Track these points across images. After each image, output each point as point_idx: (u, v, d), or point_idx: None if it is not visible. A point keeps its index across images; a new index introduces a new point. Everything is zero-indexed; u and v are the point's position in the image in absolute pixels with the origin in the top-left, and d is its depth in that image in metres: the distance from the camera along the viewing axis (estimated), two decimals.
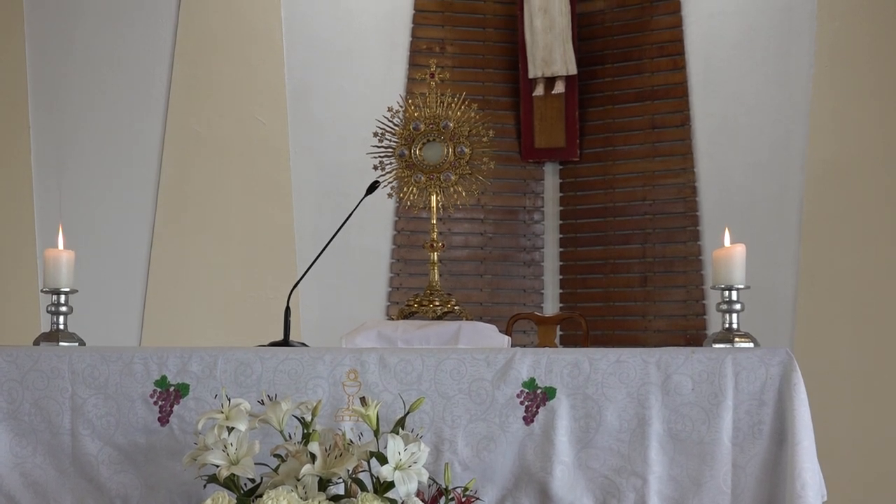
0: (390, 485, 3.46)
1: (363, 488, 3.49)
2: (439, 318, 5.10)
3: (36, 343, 4.15)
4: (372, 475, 3.50)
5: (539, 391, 3.82)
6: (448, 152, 5.28)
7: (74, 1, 7.18)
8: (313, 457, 3.47)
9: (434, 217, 5.33)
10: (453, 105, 5.34)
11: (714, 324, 7.06)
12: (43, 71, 7.09)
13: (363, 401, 3.61)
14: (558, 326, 6.36)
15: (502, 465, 3.81)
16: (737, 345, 4.01)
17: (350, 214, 4.78)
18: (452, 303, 5.17)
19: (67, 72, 7.14)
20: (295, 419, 3.61)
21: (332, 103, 7.53)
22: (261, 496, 3.45)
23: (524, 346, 4.94)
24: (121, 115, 7.20)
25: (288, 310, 4.35)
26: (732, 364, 3.80)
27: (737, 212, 7.11)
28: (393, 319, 5.30)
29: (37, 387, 3.85)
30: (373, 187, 4.93)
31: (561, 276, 7.88)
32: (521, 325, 7.00)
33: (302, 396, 3.77)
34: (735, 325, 4.10)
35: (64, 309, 4.22)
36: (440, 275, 5.33)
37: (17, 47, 7.04)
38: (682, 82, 7.54)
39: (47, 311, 4.23)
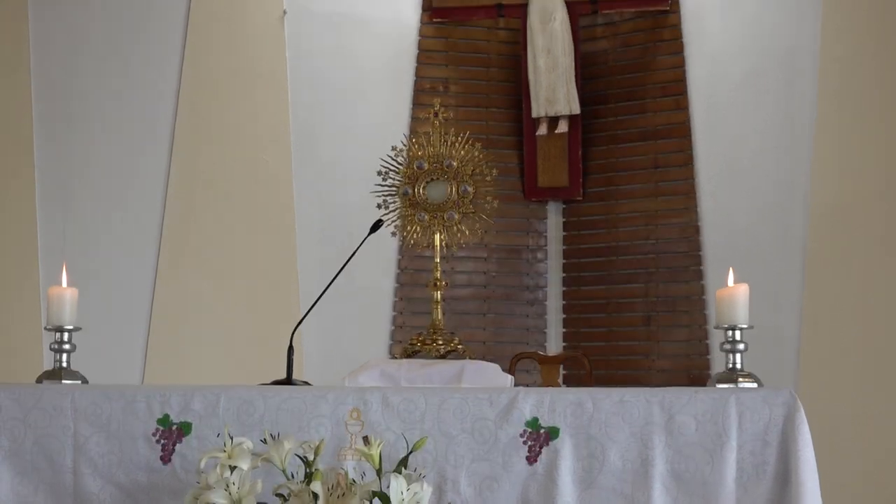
0: None
1: None
2: (442, 356, 5.09)
3: (39, 381, 4.15)
4: None
5: (542, 431, 3.81)
6: (452, 191, 5.29)
7: (80, 39, 7.22)
8: (316, 496, 3.46)
9: (437, 256, 5.33)
10: (457, 144, 5.35)
11: (717, 363, 7.04)
12: (48, 109, 7.12)
13: (366, 440, 3.60)
14: (561, 366, 6.36)
15: None
16: (740, 385, 4.01)
17: (353, 253, 4.79)
18: (456, 342, 5.16)
19: (72, 110, 7.17)
20: (297, 458, 3.60)
21: (337, 142, 7.56)
22: None
23: (527, 386, 4.93)
24: (125, 154, 7.22)
25: (291, 348, 4.36)
26: (736, 404, 3.79)
27: (740, 252, 7.10)
28: (396, 358, 5.30)
29: (39, 425, 3.84)
30: (376, 226, 4.94)
31: (564, 315, 7.87)
32: (525, 365, 6.98)
33: (305, 435, 3.76)
34: (738, 365, 4.10)
35: (67, 347, 4.22)
36: (443, 313, 5.32)
37: (23, 85, 7.07)
38: (685, 122, 7.56)
39: (50, 349, 4.23)
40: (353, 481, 3.56)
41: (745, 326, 4.12)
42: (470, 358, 5.10)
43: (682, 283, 7.47)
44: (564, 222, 7.94)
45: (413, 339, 5.25)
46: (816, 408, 5.05)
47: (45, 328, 4.29)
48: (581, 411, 3.82)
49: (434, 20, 7.87)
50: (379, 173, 5.37)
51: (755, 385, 4.02)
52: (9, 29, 7.08)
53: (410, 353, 5.16)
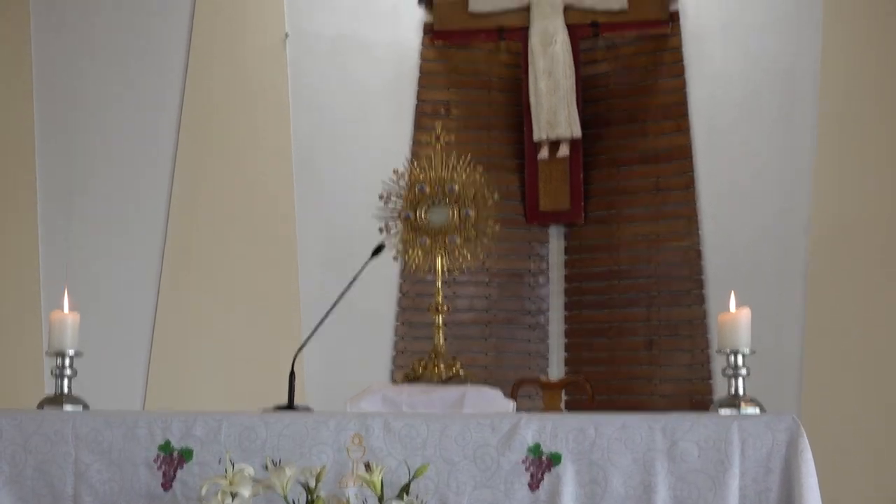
0: None
1: None
2: (444, 382, 5.08)
3: (40, 407, 4.15)
4: None
5: (544, 457, 3.80)
6: (453, 215, 5.30)
7: (83, 62, 7.23)
8: None
9: (439, 280, 5.33)
10: (458, 168, 5.36)
11: (720, 388, 7.03)
12: (50, 132, 7.12)
13: (367, 466, 3.60)
14: (563, 391, 6.35)
15: None
16: (743, 411, 4.00)
17: (355, 277, 4.78)
18: (457, 367, 5.16)
19: (74, 132, 7.17)
20: (299, 485, 3.60)
21: (338, 166, 7.56)
22: None
23: (529, 411, 4.92)
24: (127, 178, 7.22)
25: (293, 374, 4.35)
26: (739, 430, 3.79)
27: (742, 275, 7.09)
28: (398, 383, 5.29)
29: (40, 451, 3.84)
30: (378, 250, 4.94)
31: (566, 340, 7.86)
32: (526, 390, 6.96)
33: (306, 461, 3.75)
34: (741, 391, 4.09)
35: (68, 372, 4.22)
36: (445, 338, 5.32)
37: (25, 108, 7.08)
38: (687, 145, 7.56)
39: (52, 375, 4.23)
40: None
41: (747, 351, 4.11)
42: (471, 383, 5.09)
43: (684, 308, 7.46)
44: (566, 246, 7.93)
45: (415, 364, 5.25)
46: (820, 432, 5.05)
47: (47, 353, 4.29)
48: (583, 437, 3.81)
49: (435, 43, 7.89)
50: (380, 197, 5.38)
51: (758, 411, 4.01)
52: (11, 48, 7.09)
53: (412, 378, 5.15)
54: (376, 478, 3.55)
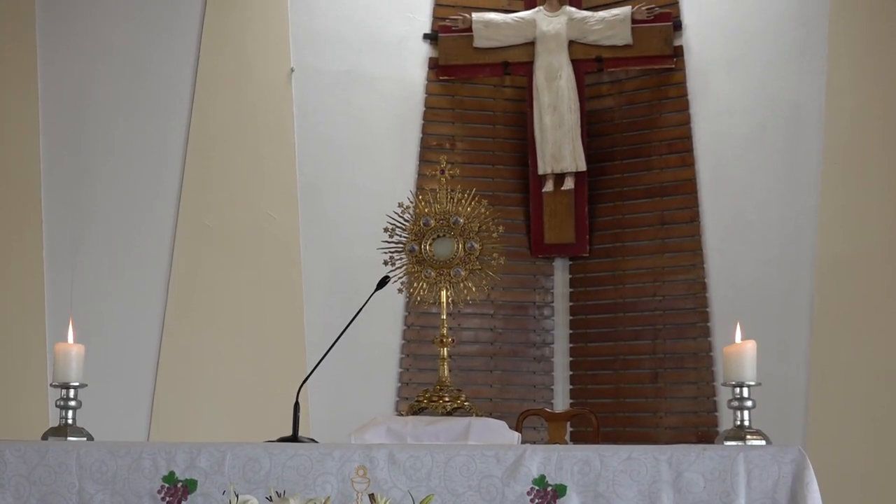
0: None
1: None
2: (449, 413, 5.07)
3: (44, 438, 4.14)
4: None
5: (549, 488, 3.79)
6: (458, 248, 5.30)
7: (89, 93, 7.26)
8: None
9: (444, 312, 5.32)
10: (463, 201, 5.37)
11: (725, 420, 7.01)
12: (56, 165, 7.14)
13: (372, 497, 3.58)
14: (568, 423, 6.34)
15: None
16: (749, 442, 3.99)
17: (360, 309, 4.78)
18: (462, 398, 5.15)
19: (80, 167, 7.19)
20: None
21: (343, 198, 7.58)
22: None
23: (534, 443, 4.91)
24: (133, 209, 7.23)
25: (297, 405, 4.35)
26: (744, 462, 3.78)
27: (747, 307, 7.08)
28: (402, 415, 5.28)
29: (44, 482, 3.83)
30: (383, 282, 4.94)
31: (571, 372, 7.85)
32: (531, 422, 6.96)
33: (311, 493, 3.74)
34: (747, 423, 4.09)
35: (73, 403, 4.21)
36: (450, 370, 5.31)
37: (32, 140, 7.10)
38: (692, 179, 7.58)
39: (56, 406, 4.22)
40: None
41: (752, 383, 4.11)
42: (476, 415, 5.08)
43: (690, 340, 7.45)
44: (571, 279, 7.94)
45: (419, 396, 5.24)
46: (825, 463, 5.03)
47: (51, 385, 4.29)
48: (588, 469, 3.80)
49: (440, 78, 7.93)
50: (385, 230, 5.38)
51: (763, 442, 4.00)
52: (18, 86, 7.12)
53: (417, 410, 5.14)
54: None
